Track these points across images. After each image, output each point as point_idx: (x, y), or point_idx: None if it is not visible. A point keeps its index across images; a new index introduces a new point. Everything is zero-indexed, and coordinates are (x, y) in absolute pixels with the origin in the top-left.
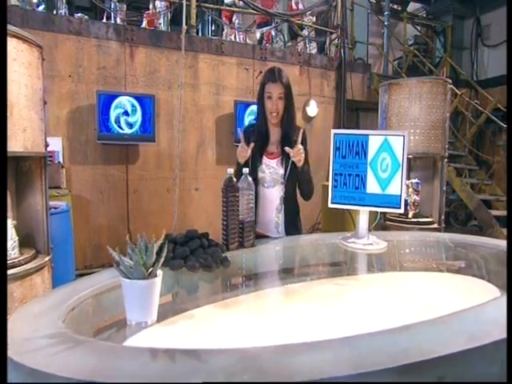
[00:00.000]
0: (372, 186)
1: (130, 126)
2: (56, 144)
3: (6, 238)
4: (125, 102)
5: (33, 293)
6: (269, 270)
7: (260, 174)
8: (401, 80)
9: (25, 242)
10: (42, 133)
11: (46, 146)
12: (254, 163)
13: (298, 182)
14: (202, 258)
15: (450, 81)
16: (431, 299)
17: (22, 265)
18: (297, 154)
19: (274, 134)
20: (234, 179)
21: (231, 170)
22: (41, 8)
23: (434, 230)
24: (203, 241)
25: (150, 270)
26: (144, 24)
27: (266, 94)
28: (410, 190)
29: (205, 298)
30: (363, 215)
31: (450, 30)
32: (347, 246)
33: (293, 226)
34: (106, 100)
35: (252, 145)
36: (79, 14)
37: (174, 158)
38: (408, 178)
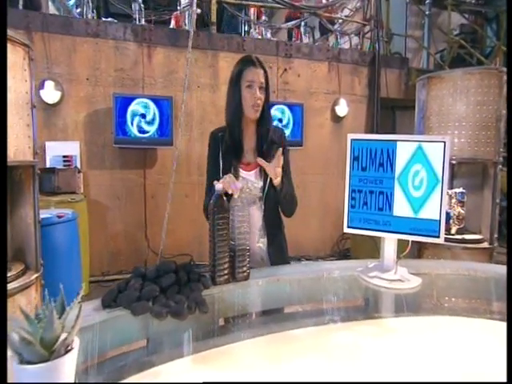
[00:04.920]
0: (401, 208)
1: (148, 129)
2: (74, 148)
3: (5, 243)
4: (142, 104)
5: (15, 316)
6: (265, 310)
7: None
8: (442, 72)
9: (17, 256)
10: (30, 140)
11: (35, 153)
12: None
13: (277, 201)
14: (173, 301)
15: (506, 70)
16: (479, 356)
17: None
18: (273, 169)
19: (249, 138)
20: (224, 198)
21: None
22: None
23: (484, 250)
24: (181, 275)
25: (54, 347)
26: (172, 25)
27: (244, 84)
28: (454, 201)
29: (179, 348)
30: (389, 244)
31: (504, 15)
32: (368, 282)
33: (277, 247)
34: (123, 103)
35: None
36: (109, 19)
37: (192, 161)
38: (451, 187)
